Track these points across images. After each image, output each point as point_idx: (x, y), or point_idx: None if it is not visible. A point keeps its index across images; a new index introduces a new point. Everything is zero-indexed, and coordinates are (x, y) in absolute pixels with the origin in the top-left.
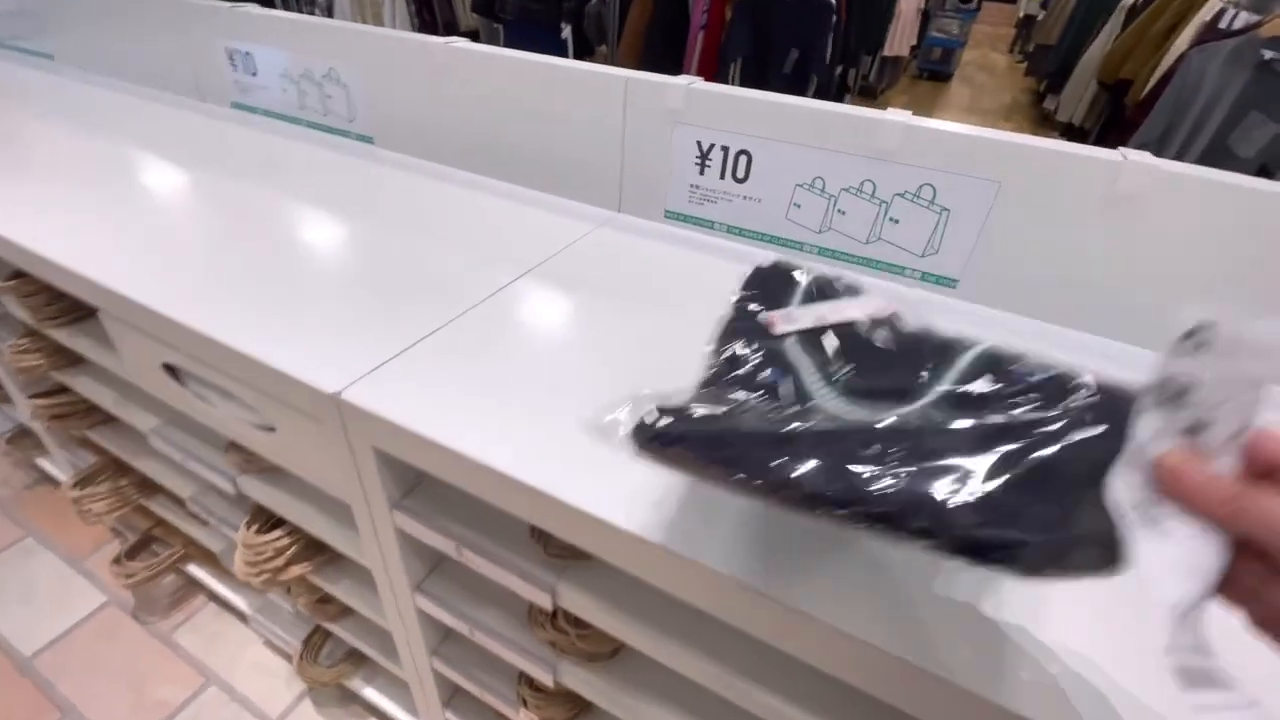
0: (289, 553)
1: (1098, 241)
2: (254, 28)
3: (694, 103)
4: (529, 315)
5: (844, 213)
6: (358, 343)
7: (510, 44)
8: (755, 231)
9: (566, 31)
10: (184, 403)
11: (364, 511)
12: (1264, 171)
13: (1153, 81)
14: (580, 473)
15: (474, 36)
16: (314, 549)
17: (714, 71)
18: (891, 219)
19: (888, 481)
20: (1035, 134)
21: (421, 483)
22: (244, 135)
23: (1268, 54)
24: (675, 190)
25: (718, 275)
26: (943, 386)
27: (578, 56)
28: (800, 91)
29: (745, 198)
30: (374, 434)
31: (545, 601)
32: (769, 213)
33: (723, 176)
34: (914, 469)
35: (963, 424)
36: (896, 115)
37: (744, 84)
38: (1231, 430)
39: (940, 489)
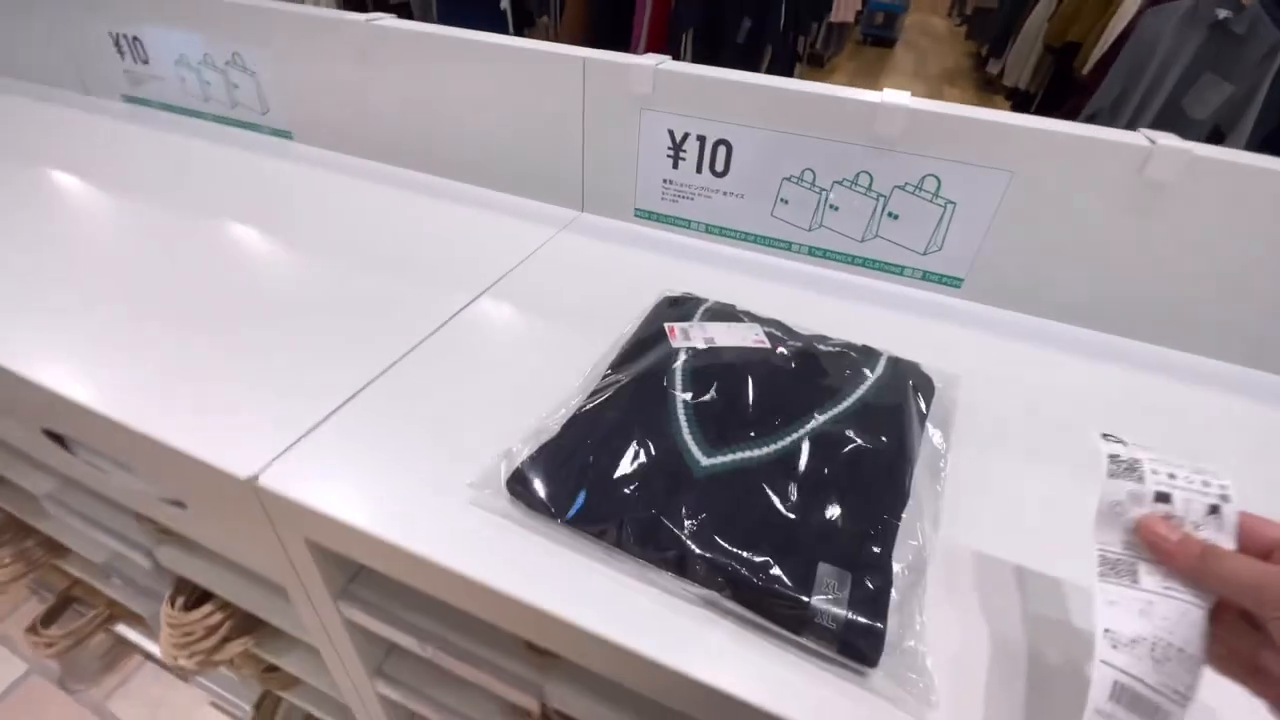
0: (223, 629)
1: (1121, 234)
2: (140, 6)
3: (665, 86)
4: (481, 356)
5: (837, 208)
6: (278, 403)
7: (444, 19)
8: (737, 231)
9: (505, 2)
10: (77, 471)
11: (304, 600)
12: (1216, 133)
13: (1102, 43)
14: (550, 568)
15: (404, 10)
16: (253, 621)
17: (664, 43)
18: (890, 214)
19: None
20: (980, 99)
21: None
22: (137, 135)
23: (1222, 13)
24: (646, 186)
25: (695, 284)
26: (789, 437)
27: (517, 30)
28: (754, 63)
29: (725, 193)
30: (304, 524)
31: (531, 705)
32: (753, 210)
33: (699, 170)
34: (720, 545)
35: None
36: (897, 98)
37: (696, 56)
38: (1206, 505)
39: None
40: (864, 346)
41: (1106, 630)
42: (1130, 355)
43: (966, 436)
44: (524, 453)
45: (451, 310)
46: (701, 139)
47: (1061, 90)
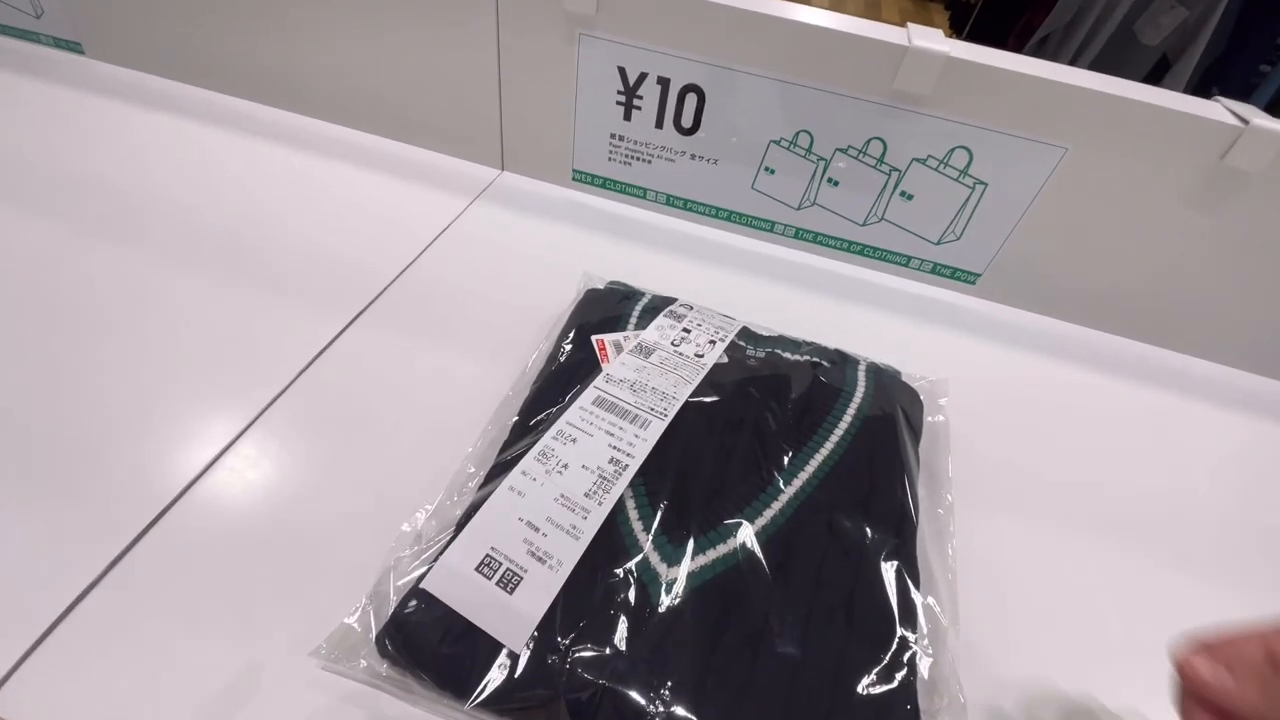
0: None
1: (1182, 229)
2: None
3: (614, 2)
4: (342, 428)
5: (836, 183)
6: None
7: None
8: (705, 205)
9: None
10: None
11: None
12: (1163, 62)
13: None
14: None
15: None
16: None
17: None
18: (903, 194)
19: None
20: (915, 6)
21: None
22: None
23: None
24: (588, 142)
25: (648, 272)
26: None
27: None
28: None
29: (694, 156)
30: None
31: None
32: (728, 179)
33: (660, 123)
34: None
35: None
36: (931, 41)
37: None
38: (707, 338)
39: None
40: (838, 353)
41: (607, 373)
42: (1179, 372)
43: (969, 478)
44: (404, 582)
45: (304, 360)
46: (664, 82)
47: (1003, 2)
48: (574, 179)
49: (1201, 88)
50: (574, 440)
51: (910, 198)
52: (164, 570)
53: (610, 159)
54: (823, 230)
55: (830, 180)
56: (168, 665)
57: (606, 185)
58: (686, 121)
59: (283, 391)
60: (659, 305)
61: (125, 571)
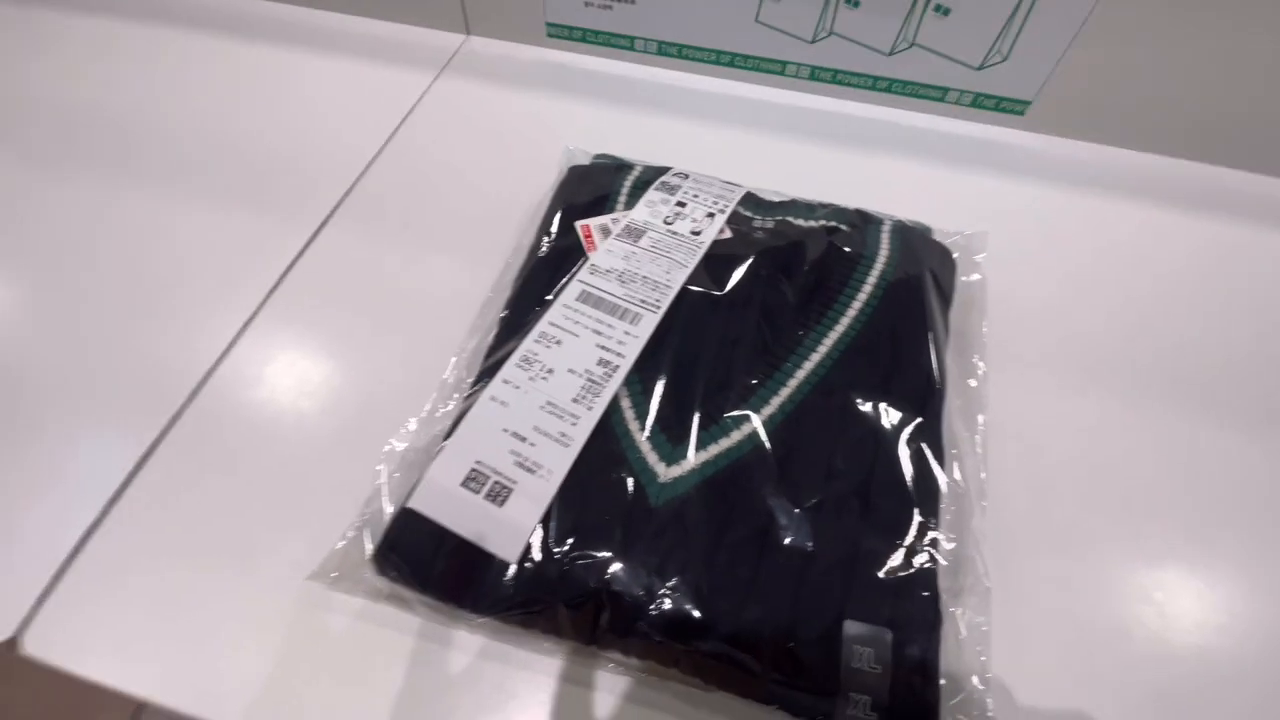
0: None
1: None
2: None
3: None
4: (323, 339)
5: (857, 3)
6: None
7: None
8: (703, 49)
9: None
10: None
11: None
12: None
13: None
14: (465, 679)
15: None
16: None
17: None
18: (938, 8)
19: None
20: None
21: None
22: None
23: None
24: None
25: (643, 140)
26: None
27: None
28: None
29: None
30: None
31: None
32: (727, 12)
33: None
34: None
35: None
36: None
37: None
38: (705, 210)
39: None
40: (858, 214)
41: (592, 263)
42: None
43: (1006, 342)
44: (394, 500)
45: (273, 278)
46: None
47: None
48: (549, 35)
49: None
50: (559, 342)
51: (946, 12)
52: (159, 506)
53: (588, 3)
54: (842, 66)
55: (848, 1)
56: (172, 599)
57: (587, 38)
58: None
59: (255, 313)
60: (651, 178)
61: (122, 512)
